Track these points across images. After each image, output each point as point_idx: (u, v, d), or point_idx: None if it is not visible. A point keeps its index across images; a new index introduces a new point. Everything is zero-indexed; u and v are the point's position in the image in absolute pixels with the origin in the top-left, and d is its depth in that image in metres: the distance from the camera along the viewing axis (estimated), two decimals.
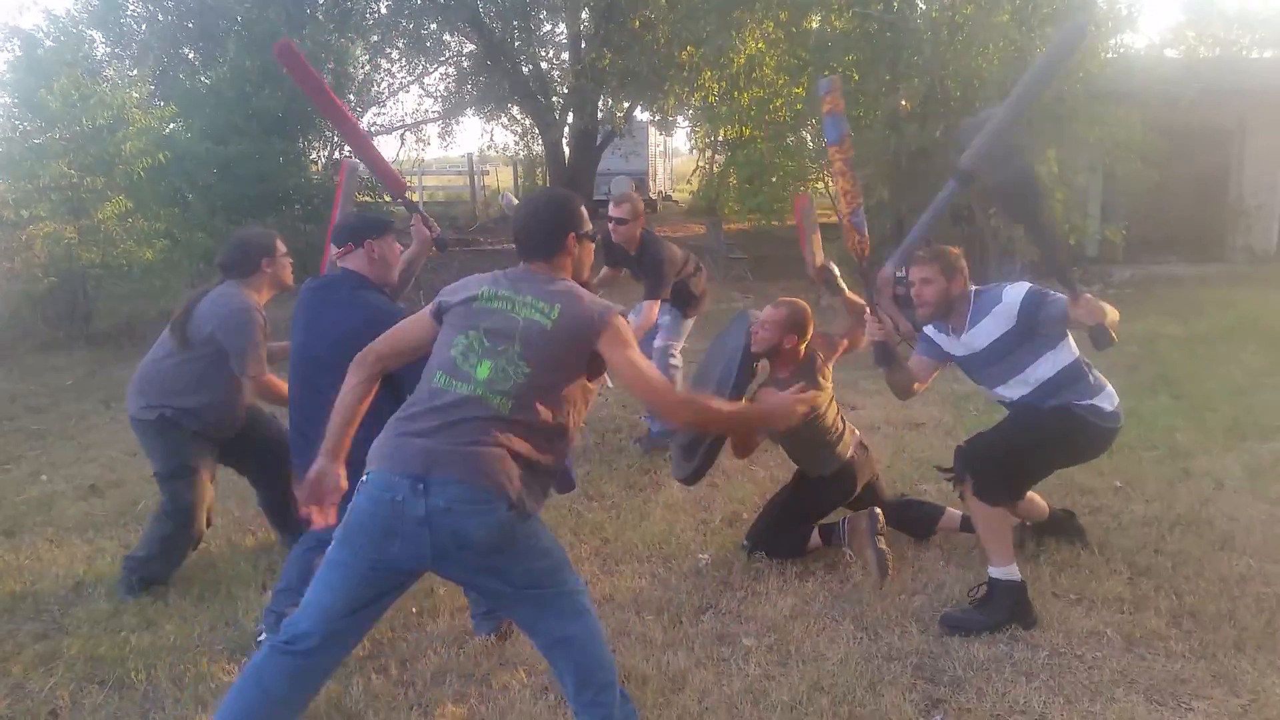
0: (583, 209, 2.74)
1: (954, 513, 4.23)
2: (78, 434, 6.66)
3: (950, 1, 10.59)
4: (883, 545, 3.84)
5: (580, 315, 2.49)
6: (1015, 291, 3.59)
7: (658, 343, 5.89)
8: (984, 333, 3.63)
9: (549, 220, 2.65)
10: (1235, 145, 13.11)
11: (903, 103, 11.32)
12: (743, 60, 13.54)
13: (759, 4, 11.96)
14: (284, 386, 3.76)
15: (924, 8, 11.35)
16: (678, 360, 5.96)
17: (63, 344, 9.75)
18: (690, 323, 6.03)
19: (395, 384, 3.06)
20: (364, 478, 2.42)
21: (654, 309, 5.60)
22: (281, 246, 3.99)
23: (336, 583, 2.41)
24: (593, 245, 2.78)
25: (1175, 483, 4.90)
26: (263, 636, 3.44)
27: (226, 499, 5.04)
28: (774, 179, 13.87)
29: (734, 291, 12.55)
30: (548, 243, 2.62)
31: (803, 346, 4.09)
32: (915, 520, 4.25)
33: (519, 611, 2.60)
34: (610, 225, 5.61)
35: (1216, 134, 12.71)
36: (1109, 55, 11.24)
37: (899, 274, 7.90)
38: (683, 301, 5.87)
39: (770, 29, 12.78)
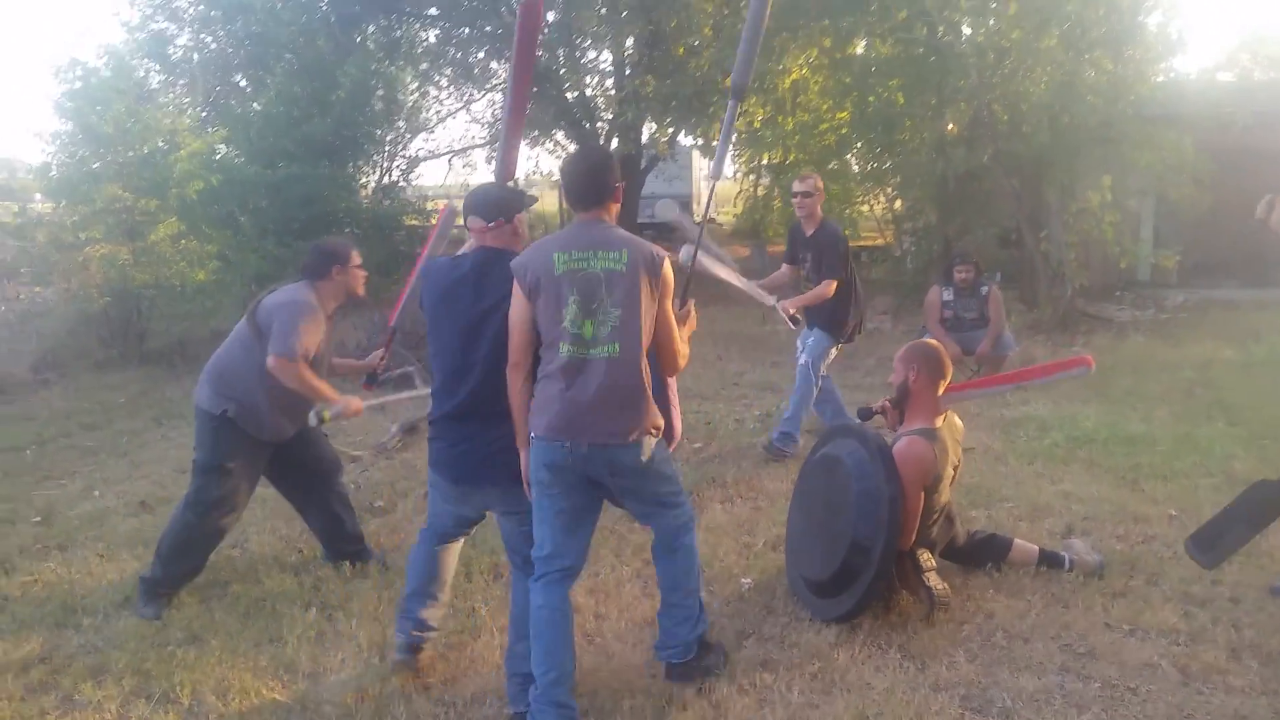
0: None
1: (1025, 546, 4.15)
2: (130, 451, 6.78)
3: (997, 26, 10.51)
4: (932, 581, 3.72)
5: (644, 254, 3.01)
6: None
7: (801, 358, 6.02)
8: None
9: (603, 174, 3.10)
10: None
11: (950, 127, 11.25)
12: (787, 85, 13.54)
13: (802, 31, 11.95)
14: (314, 379, 3.94)
15: (970, 33, 11.28)
16: (817, 377, 6.01)
17: (117, 363, 9.96)
18: (834, 350, 6.08)
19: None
20: (532, 437, 3.04)
21: (830, 287, 5.77)
22: (356, 258, 4.19)
23: (552, 517, 3.09)
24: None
25: None
26: (399, 657, 3.43)
27: (274, 517, 5.10)
28: None
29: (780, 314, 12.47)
30: (601, 193, 3.08)
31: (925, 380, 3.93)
32: (984, 554, 4.15)
33: (650, 521, 3.28)
34: (794, 200, 6.01)
35: (1272, 157, 12.45)
36: (1160, 79, 11.08)
37: (945, 298, 7.81)
38: (832, 325, 5.96)
39: (814, 55, 12.76)
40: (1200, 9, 20.91)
